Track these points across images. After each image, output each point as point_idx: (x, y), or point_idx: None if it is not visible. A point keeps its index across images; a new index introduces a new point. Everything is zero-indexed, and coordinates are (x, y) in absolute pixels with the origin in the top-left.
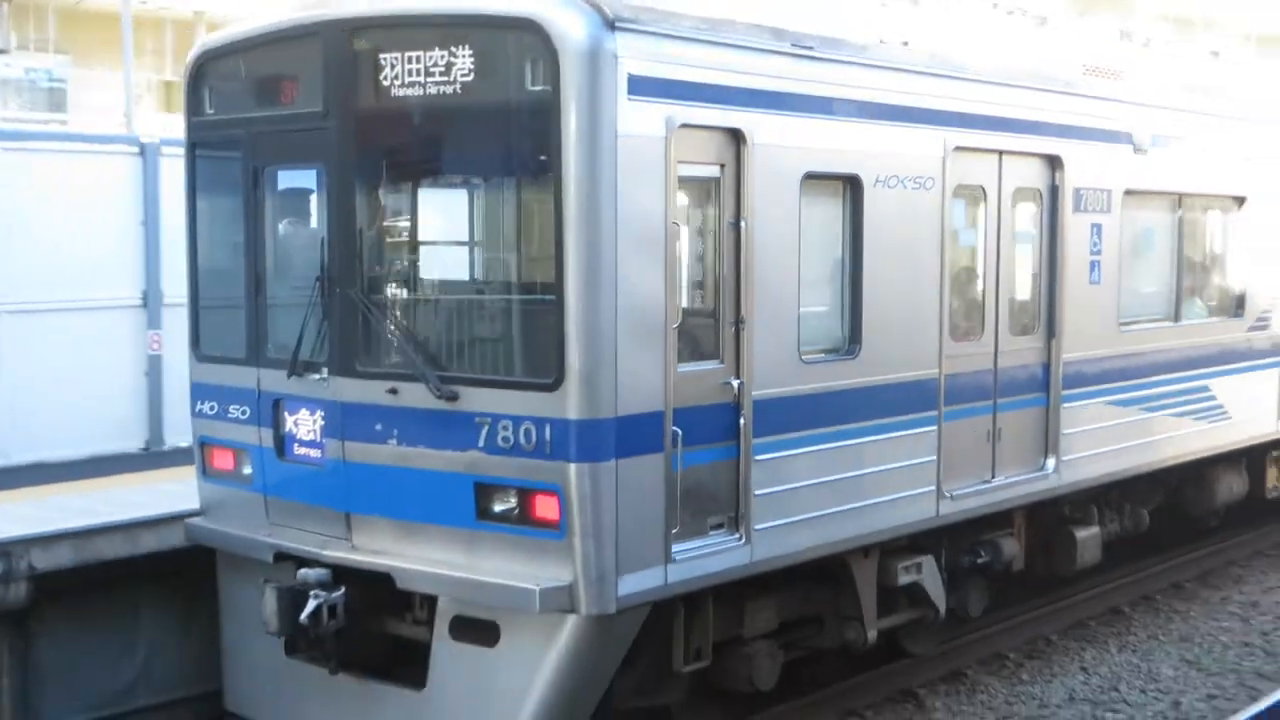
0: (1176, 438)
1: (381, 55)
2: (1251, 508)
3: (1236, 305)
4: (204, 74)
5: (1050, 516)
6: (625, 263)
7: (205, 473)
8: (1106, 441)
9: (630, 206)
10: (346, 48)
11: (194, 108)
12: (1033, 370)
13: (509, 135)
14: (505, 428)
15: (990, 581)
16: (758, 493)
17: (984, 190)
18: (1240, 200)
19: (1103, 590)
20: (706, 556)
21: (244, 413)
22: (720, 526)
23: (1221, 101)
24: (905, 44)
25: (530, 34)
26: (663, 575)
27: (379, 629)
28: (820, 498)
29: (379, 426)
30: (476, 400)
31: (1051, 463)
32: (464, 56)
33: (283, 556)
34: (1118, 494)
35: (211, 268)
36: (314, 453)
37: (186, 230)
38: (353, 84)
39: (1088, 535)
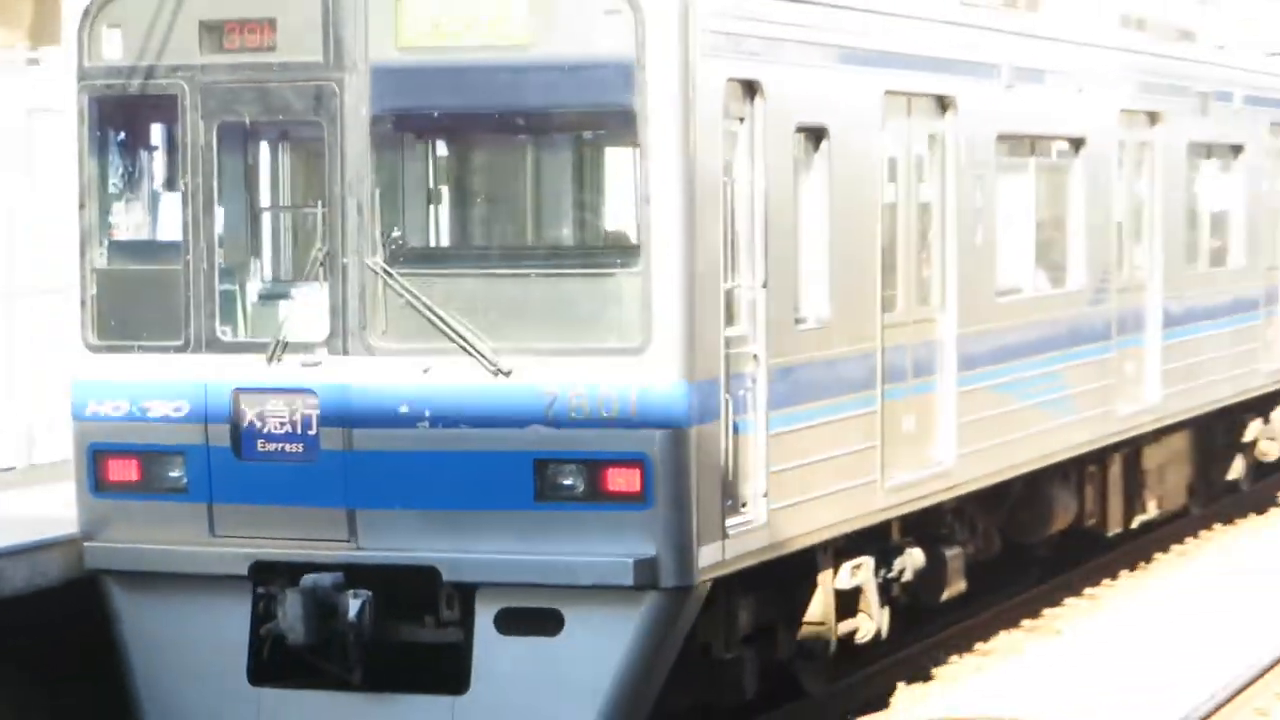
0: (1047, 431)
1: (404, 2)
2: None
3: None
4: (106, 12)
5: (926, 528)
6: (699, 219)
7: (98, 487)
8: (1002, 431)
9: (702, 161)
10: None
11: (92, 52)
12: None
13: (579, 92)
14: (578, 398)
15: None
16: (773, 468)
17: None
18: (1078, 142)
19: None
20: (745, 534)
21: (178, 409)
22: (745, 504)
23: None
24: None
25: None
26: (721, 551)
27: (391, 637)
28: (812, 477)
29: (404, 409)
30: (538, 372)
31: (948, 453)
32: (518, 7)
33: (263, 568)
34: (972, 508)
35: (123, 241)
36: (294, 447)
37: (78, 197)
38: (367, 32)
39: (954, 555)
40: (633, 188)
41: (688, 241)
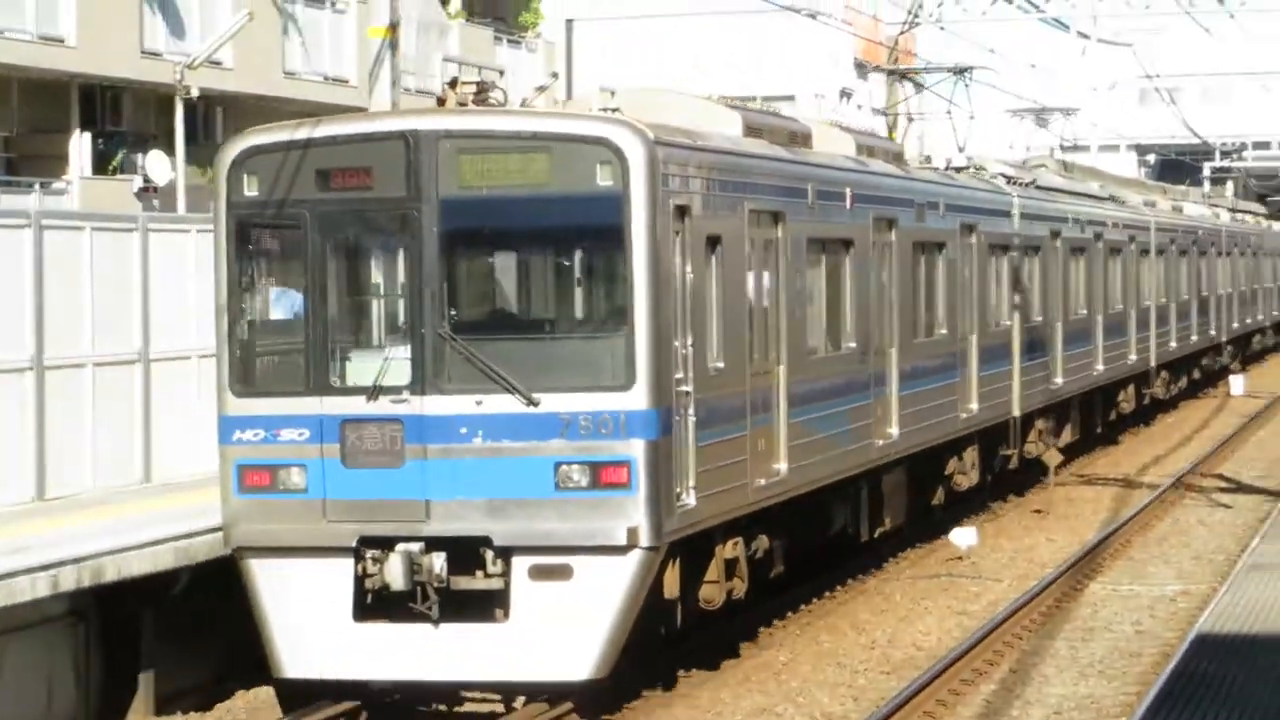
0: (836, 457)
1: (464, 155)
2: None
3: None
4: (247, 164)
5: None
6: (662, 299)
7: (240, 490)
8: (812, 453)
9: (663, 261)
10: (431, 148)
11: (235, 189)
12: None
13: (583, 215)
14: (585, 420)
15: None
16: (699, 469)
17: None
18: (849, 243)
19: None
20: (685, 513)
21: (301, 434)
22: (683, 493)
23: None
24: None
25: (604, 147)
26: (674, 523)
27: (455, 585)
28: (716, 477)
29: (464, 430)
30: (557, 404)
31: (783, 466)
32: (542, 159)
33: (364, 541)
34: (786, 512)
35: (256, 320)
36: (385, 458)
37: (226, 291)
38: (437, 176)
39: (779, 545)
40: (620, 278)
41: (655, 315)
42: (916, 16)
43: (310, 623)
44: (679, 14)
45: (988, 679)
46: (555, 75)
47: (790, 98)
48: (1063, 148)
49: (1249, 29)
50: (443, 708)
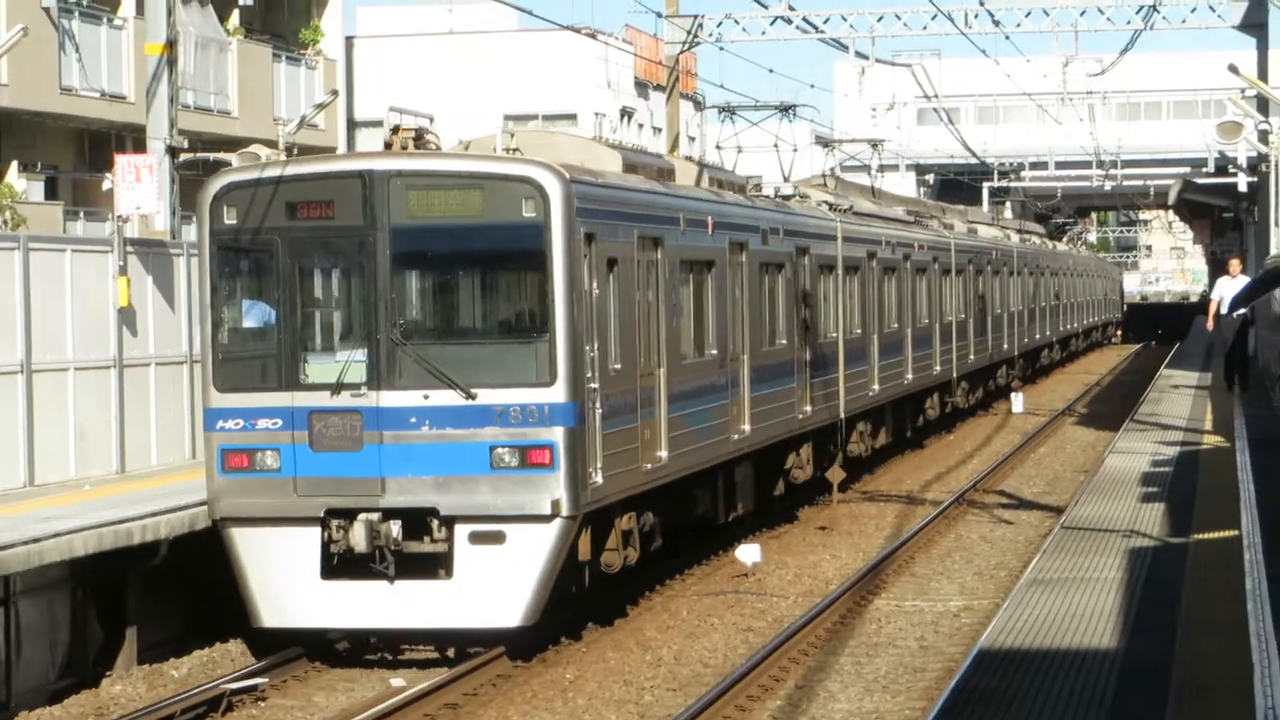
0: (702, 448)
1: (411, 191)
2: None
3: None
4: (226, 197)
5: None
6: (576, 312)
7: (222, 471)
8: (686, 444)
9: (576, 279)
10: (384, 185)
11: (216, 219)
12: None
13: (511, 241)
14: (515, 411)
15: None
16: (604, 454)
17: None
18: (710, 264)
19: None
20: (594, 490)
21: (275, 423)
22: (592, 473)
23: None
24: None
25: (529, 185)
26: (588, 497)
27: (408, 549)
28: (616, 461)
29: (413, 419)
30: (491, 397)
31: (664, 454)
32: (476, 194)
33: (329, 512)
34: (663, 496)
35: (235, 327)
36: (347, 443)
37: (210, 304)
38: (389, 208)
39: (660, 521)
40: (542, 294)
41: (571, 324)
42: (696, 37)
43: (284, 581)
44: (461, 31)
45: (774, 695)
46: (335, 93)
47: (572, 116)
48: (843, 168)
49: (1024, 50)
50: (388, 656)
